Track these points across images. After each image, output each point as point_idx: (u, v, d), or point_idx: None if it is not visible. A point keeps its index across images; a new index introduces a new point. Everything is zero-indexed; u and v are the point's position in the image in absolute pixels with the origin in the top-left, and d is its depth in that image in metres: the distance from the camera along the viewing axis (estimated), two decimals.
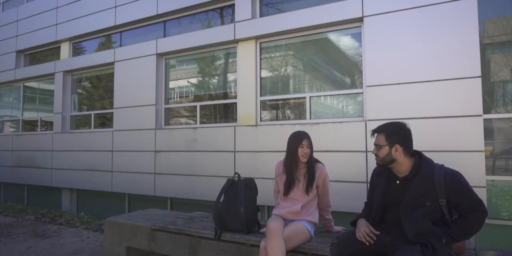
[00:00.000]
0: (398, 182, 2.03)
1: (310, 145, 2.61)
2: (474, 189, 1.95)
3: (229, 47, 4.73)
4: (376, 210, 2.09)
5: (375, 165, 2.19)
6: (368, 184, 3.04)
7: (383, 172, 2.12)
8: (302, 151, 2.56)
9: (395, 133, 1.99)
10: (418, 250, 1.76)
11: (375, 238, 1.99)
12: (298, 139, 2.59)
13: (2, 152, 7.09)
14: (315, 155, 2.72)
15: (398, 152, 1.97)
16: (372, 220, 2.10)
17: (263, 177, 3.99)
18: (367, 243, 1.98)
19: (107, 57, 5.71)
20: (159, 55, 5.20)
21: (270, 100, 4.45)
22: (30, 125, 7.21)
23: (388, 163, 2.03)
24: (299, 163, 2.62)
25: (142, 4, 5.42)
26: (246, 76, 4.44)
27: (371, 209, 2.18)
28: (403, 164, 2.00)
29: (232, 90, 4.81)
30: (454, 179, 1.89)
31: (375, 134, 2.08)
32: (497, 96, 3.43)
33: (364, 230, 2.02)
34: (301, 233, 2.41)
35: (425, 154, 2.05)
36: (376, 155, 2.07)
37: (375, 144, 2.07)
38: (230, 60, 4.84)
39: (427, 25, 3.35)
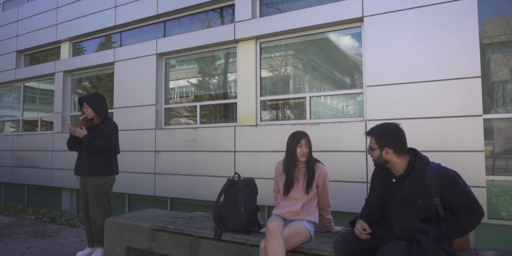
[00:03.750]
0: (394, 180, 2.07)
1: (309, 145, 2.62)
2: (473, 189, 1.95)
3: (229, 47, 4.73)
4: (374, 208, 2.14)
5: None
6: (369, 184, 3.06)
7: (381, 171, 2.16)
8: (301, 151, 2.57)
9: (385, 136, 2.02)
10: (403, 244, 1.81)
11: (369, 231, 2.04)
12: (296, 138, 2.60)
13: (2, 152, 7.09)
14: (315, 155, 2.72)
15: (389, 154, 2.01)
16: (371, 218, 2.15)
17: (263, 177, 3.99)
18: (364, 238, 2.04)
19: (107, 57, 5.71)
20: (159, 55, 5.20)
21: (270, 100, 4.45)
22: (30, 125, 7.21)
23: (383, 164, 2.07)
24: (299, 163, 2.62)
25: (142, 4, 5.42)
26: (246, 76, 4.44)
27: (370, 207, 2.22)
28: (397, 164, 2.03)
29: (232, 90, 4.81)
30: (447, 178, 1.88)
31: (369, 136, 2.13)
32: (497, 96, 3.43)
33: (357, 230, 2.08)
34: (301, 233, 2.41)
35: (425, 154, 2.06)
36: (371, 156, 2.12)
37: (369, 146, 2.12)
38: (230, 60, 4.84)
39: (427, 25, 3.36)
